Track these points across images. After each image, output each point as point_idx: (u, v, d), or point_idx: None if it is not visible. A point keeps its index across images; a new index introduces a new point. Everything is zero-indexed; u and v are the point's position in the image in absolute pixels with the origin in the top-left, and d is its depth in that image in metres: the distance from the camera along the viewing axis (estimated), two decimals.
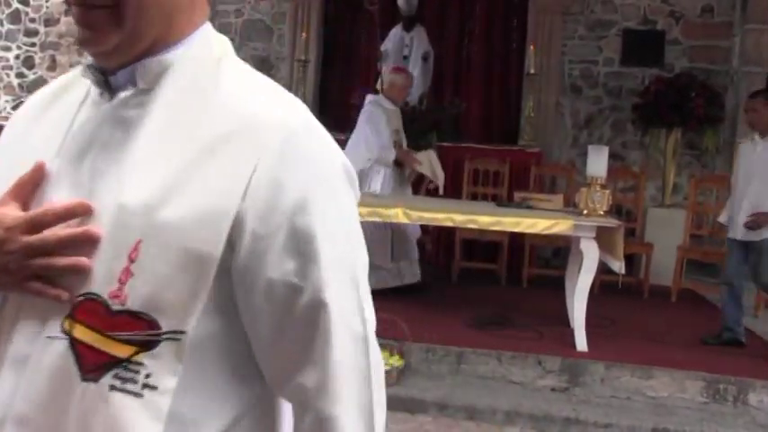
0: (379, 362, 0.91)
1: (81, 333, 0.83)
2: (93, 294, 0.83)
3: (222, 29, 8.22)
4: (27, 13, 8.87)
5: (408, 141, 6.16)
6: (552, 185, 7.39)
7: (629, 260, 5.78)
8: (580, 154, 7.16)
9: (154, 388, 0.82)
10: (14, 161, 0.92)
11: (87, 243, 0.84)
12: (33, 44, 8.88)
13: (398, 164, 5.93)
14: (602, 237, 4.72)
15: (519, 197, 5.51)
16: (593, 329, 4.84)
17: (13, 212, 0.87)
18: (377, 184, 5.75)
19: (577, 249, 4.88)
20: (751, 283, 5.22)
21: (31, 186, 0.89)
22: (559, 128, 7.85)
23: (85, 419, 0.82)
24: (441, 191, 6.13)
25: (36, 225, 0.86)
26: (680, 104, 6.96)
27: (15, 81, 8.91)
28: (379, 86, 6.18)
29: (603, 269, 5.13)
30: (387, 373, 4.34)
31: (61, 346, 0.83)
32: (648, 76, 7.55)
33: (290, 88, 6.89)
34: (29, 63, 8.90)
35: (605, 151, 4.94)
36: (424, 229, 6.11)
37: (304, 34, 7.65)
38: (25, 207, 0.88)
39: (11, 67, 8.92)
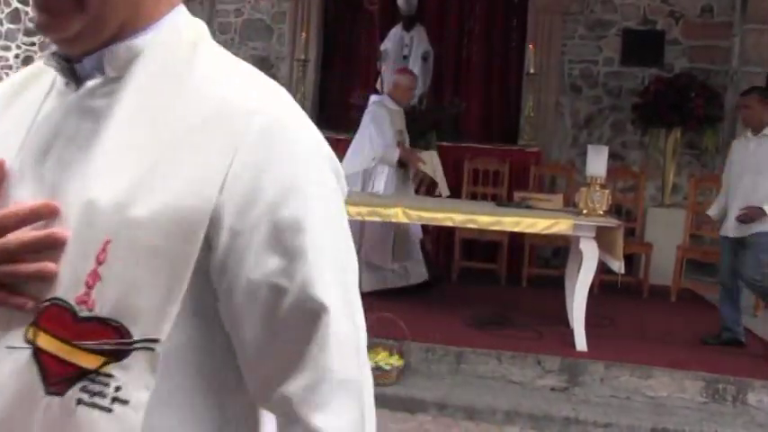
0: (369, 373, 0.84)
1: (45, 342, 0.76)
2: (59, 300, 0.76)
3: (222, 28, 8.26)
4: (27, 13, 8.87)
5: (409, 141, 6.17)
6: (552, 185, 7.40)
7: (629, 260, 5.78)
8: (580, 154, 7.17)
9: (124, 402, 0.74)
10: None
11: (52, 246, 0.77)
12: (33, 44, 8.89)
13: (402, 164, 5.95)
14: (602, 236, 4.72)
15: (519, 197, 5.51)
16: (592, 329, 4.84)
17: None
18: (380, 183, 5.77)
19: (577, 249, 4.88)
20: None
21: None
22: (559, 127, 7.85)
23: None
24: (443, 194, 6.13)
25: None
26: (680, 104, 6.96)
27: None
28: (378, 86, 6.18)
29: (603, 269, 5.13)
30: (387, 372, 4.36)
31: (23, 356, 0.77)
32: (648, 76, 7.55)
33: (289, 88, 6.85)
34: (29, 63, 8.88)
35: (605, 151, 4.94)
36: (424, 228, 6.12)
37: (304, 34, 7.65)
38: None
39: (10, 67, 8.92)
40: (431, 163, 6.09)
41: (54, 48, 0.85)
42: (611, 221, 4.76)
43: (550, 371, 4.65)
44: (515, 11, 8.10)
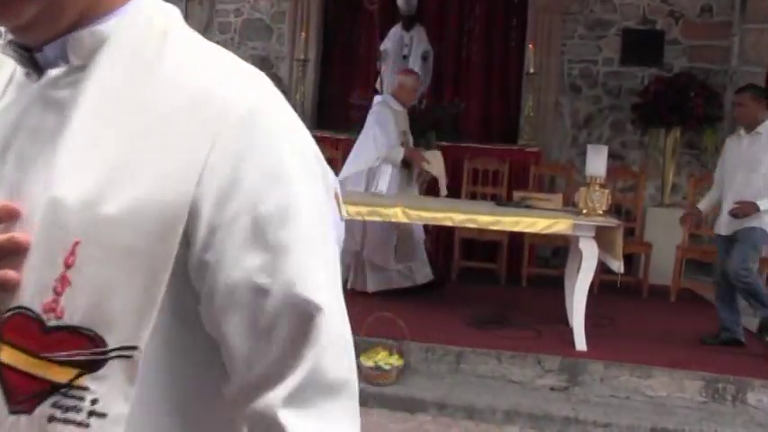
0: (355, 380, 0.76)
1: (8, 356, 0.70)
2: (24, 309, 0.70)
3: (222, 28, 8.26)
4: None
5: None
6: (551, 185, 7.40)
7: (629, 260, 5.78)
8: (579, 153, 7.16)
9: (102, 415, 0.69)
10: None
11: (14, 252, 0.71)
12: None
13: (406, 164, 5.95)
14: (602, 236, 4.72)
15: (518, 197, 5.51)
16: (592, 329, 4.84)
17: None
18: (384, 183, 5.77)
19: (576, 249, 4.89)
20: None
21: None
22: (559, 127, 7.85)
23: None
24: (441, 193, 6.14)
25: None
26: (679, 104, 6.97)
27: None
28: (378, 86, 6.18)
29: (603, 269, 5.14)
30: (386, 372, 4.37)
31: None
32: (648, 76, 7.55)
33: (289, 87, 6.87)
34: None
35: (605, 151, 4.94)
36: (424, 228, 6.12)
37: (303, 33, 7.65)
38: None
39: None
40: (435, 162, 6.10)
41: (10, 36, 0.77)
42: (611, 221, 4.77)
43: (550, 370, 4.65)
44: (515, 11, 8.09)
